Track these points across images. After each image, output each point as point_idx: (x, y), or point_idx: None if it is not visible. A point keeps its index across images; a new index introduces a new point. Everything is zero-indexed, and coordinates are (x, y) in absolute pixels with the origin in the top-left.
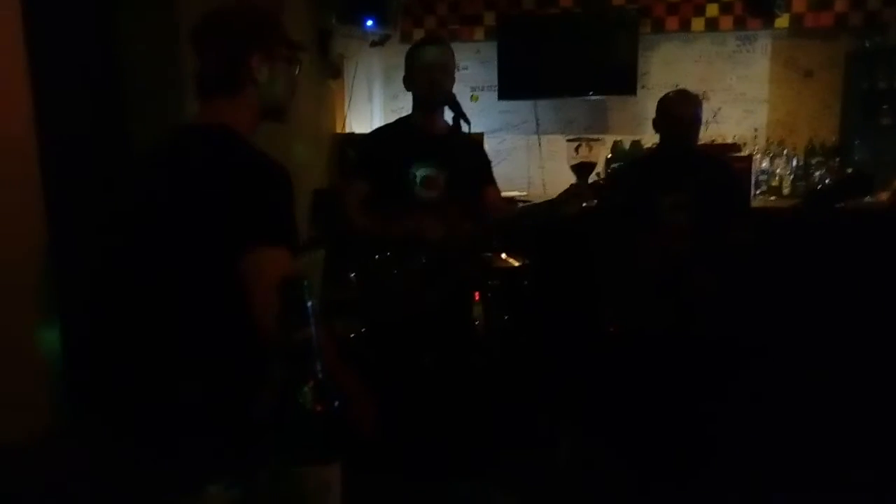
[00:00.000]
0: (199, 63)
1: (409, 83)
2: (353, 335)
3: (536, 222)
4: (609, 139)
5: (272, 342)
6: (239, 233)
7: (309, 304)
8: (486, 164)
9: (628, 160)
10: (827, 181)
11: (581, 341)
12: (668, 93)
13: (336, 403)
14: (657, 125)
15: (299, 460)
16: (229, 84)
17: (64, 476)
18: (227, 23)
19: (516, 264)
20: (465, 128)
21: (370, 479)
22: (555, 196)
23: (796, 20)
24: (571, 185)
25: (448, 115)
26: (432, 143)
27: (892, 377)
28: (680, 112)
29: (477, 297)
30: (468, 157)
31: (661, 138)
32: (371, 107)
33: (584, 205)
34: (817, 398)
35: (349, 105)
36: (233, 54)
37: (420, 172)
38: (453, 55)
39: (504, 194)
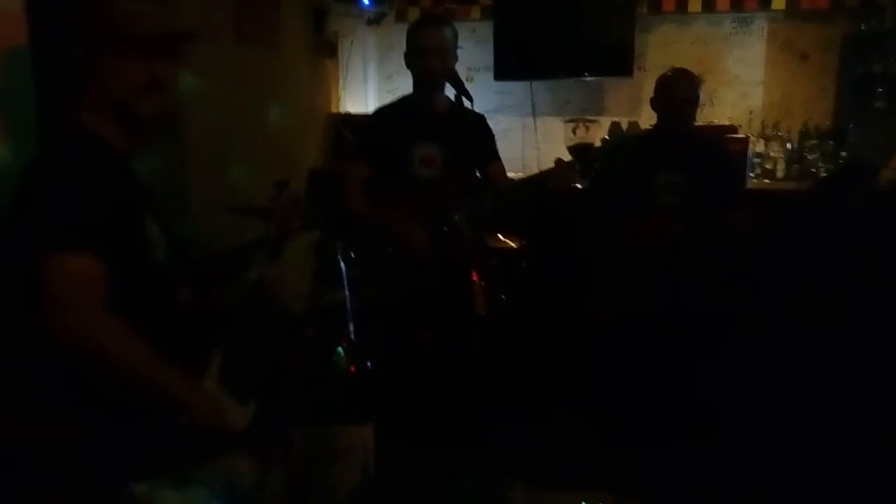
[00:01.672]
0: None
1: (408, 63)
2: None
3: (523, 197)
4: (605, 120)
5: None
6: (32, 238)
7: (343, 267)
8: (489, 140)
9: (623, 139)
10: (821, 165)
11: (575, 322)
12: (667, 71)
13: (368, 364)
14: (655, 103)
15: (332, 420)
16: (77, 83)
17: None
18: (68, 19)
19: (513, 245)
20: (466, 104)
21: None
22: (540, 171)
23: (793, 2)
24: (558, 159)
25: (450, 92)
26: (432, 122)
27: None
28: (678, 91)
29: (475, 277)
30: (469, 134)
31: (659, 118)
32: (366, 86)
33: (573, 183)
34: (810, 379)
35: (344, 84)
36: (65, 53)
37: (418, 151)
38: (455, 33)
39: None
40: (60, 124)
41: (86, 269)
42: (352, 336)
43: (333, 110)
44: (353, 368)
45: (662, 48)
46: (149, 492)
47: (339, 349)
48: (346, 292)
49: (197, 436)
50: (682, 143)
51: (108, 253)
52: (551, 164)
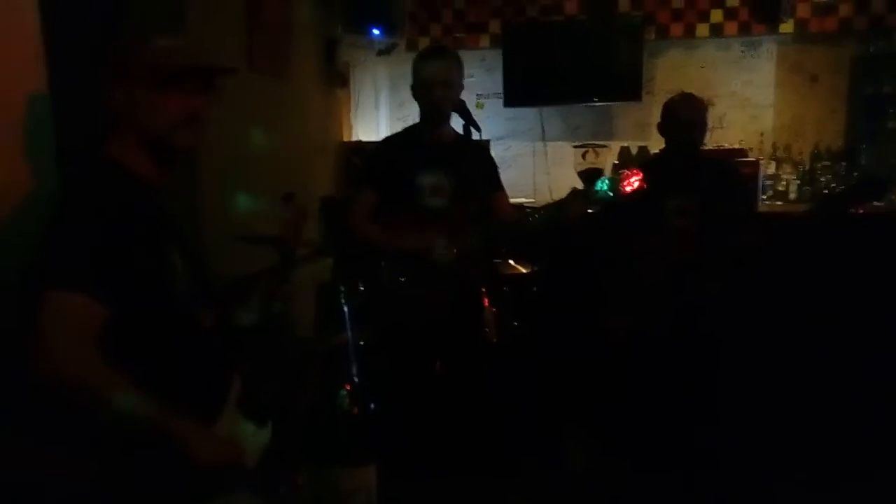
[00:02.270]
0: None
1: (414, 95)
2: (362, 343)
3: (540, 227)
4: (615, 145)
5: (41, 378)
6: (32, 272)
7: (346, 309)
8: (493, 170)
9: (637, 163)
10: (833, 185)
11: (588, 346)
12: (674, 96)
13: (372, 406)
14: (662, 129)
15: (336, 462)
16: (107, 118)
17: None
18: (100, 56)
19: (525, 271)
20: (475, 135)
21: (402, 481)
22: (557, 200)
23: (801, 25)
24: (573, 188)
25: (457, 123)
26: (439, 152)
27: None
28: (685, 115)
29: (486, 304)
30: (475, 164)
31: (667, 142)
32: (377, 115)
33: (587, 210)
34: (821, 400)
35: (355, 113)
36: (97, 87)
37: (427, 181)
38: (459, 65)
39: (510, 201)
40: (87, 158)
41: (78, 310)
42: (355, 378)
43: (345, 139)
44: (356, 410)
45: (671, 72)
46: None
47: (343, 391)
48: (349, 334)
49: (202, 475)
50: (691, 166)
51: (116, 294)
52: (562, 189)
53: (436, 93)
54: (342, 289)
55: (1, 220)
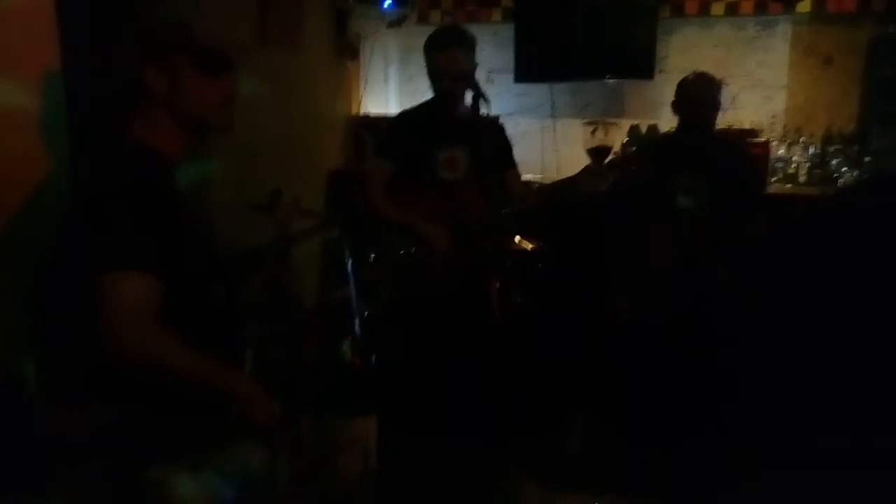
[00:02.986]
0: (108, 87)
1: (429, 75)
2: (367, 312)
3: (551, 203)
4: (625, 123)
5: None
6: (86, 258)
7: (348, 265)
8: (507, 147)
9: (645, 141)
10: (845, 171)
11: (592, 325)
12: (688, 75)
13: (373, 358)
14: (676, 107)
15: (337, 411)
16: (133, 100)
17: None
18: (121, 39)
19: (530, 247)
20: (483, 107)
21: (398, 437)
22: (567, 177)
23: (818, 5)
24: (586, 166)
25: (469, 95)
26: (455, 127)
27: None
28: (698, 95)
29: (491, 279)
30: (490, 140)
31: (679, 121)
32: (387, 87)
33: (599, 187)
34: (829, 384)
35: (365, 86)
36: (128, 70)
37: (442, 154)
38: (471, 48)
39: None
40: (111, 140)
41: (138, 289)
42: (357, 331)
43: (354, 112)
44: (357, 362)
45: (684, 51)
46: (165, 476)
47: (345, 343)
48: (352, 289)
49: (210, 425)
50: (703, 146)
51: (162, 267)
52: (570, 166)
53: (447, 83)
54: (346, 245)
55: (23, 196)
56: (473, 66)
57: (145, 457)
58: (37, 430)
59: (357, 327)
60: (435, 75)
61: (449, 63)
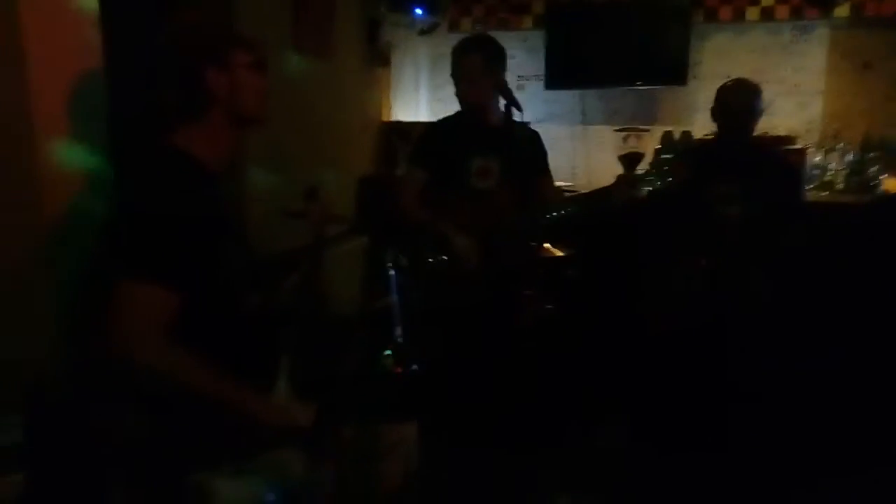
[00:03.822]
0: (157, 93)
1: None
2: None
3: (585, 212)
4: (657, 130)
5: (123, 363)
6: (110, 264)
7: (392, 273)
8: (542, 155)
9: (683, 149)
10: (882, 182)
11: (623, 333)
12: (727, 81)
13: (414, 367)
14: (714, 114)
15: (379, 418)
16: (191, 108)
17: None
18: (174, 42)
19: (561, 254)
20: (516, 115)
21: (441, 440)
22: (602, 186)
23: (857, 9)
24: (620, 175)
25: (501, 103)
26: (488, 134)
27: None
28: (737, 101)
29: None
30: (523, 147)
31: (718, 128)
32: (417, 95)
33: (634, 196)
34: (862, 390)
35: (396, 93)
36: (186, 75)
37: (475, 163)
38: (493, 58)
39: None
40: (153, 147)
41: (152, 300)
42: (399, 339)
43: (385, 119)
44: (399, 370)
45: (719, 57)
46: (207, 480)
47: (387, 352)
48: (395, 297)
49: (253, 431)
50: (741, 153)
51: (186, 283)
52: (601, 173)
53: (460, 87)
54: (389, 253)
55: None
56: (491, 75)
57: (188, 461)
58: (81, 434)
59: (399, 336)
60: (454, 80)
61: (460, 69)
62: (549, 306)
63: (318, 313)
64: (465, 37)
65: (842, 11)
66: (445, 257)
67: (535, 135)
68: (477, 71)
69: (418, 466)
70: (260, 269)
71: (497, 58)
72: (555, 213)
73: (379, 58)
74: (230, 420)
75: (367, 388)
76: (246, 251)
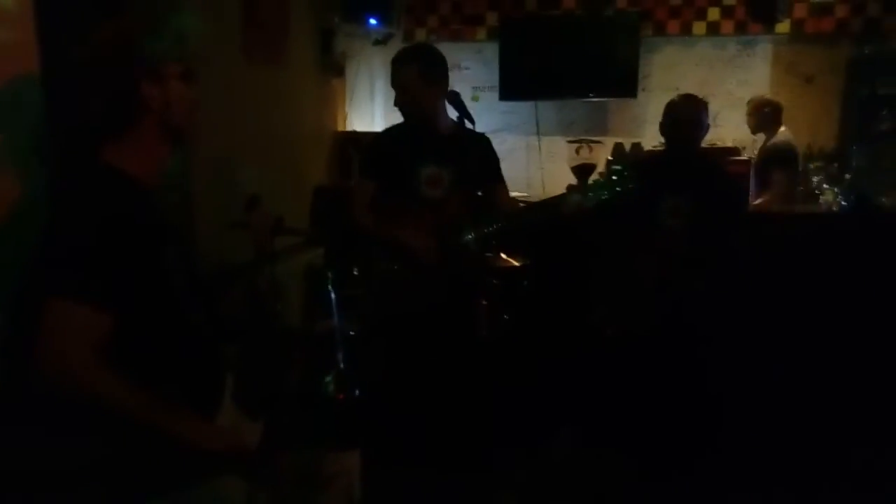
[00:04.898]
0: (81, 104)
1: None
2: (352, 332)
3: (535, 221)
4: (609, 141)
5: (40, 383)
6: (38, 279)
7: (333, 296)
8: (494, 162)
9: (631, 162)
10: (825, 192)
11: (577, 341)
12: (675, 97)
13: (356, 392)
14: (662, 128)
15: (321, 446)
16: (121, 120)
17: None
18: (105, 52)
19: (516, 264)
20: (468, 126)
21: (383, 467)
22: (553, 196)
23: (797, 25)
24: (570, 184)
25: (453, 114)
26: (437, 143)
27: (885, 380)
28: (685, 115)
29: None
30: (475, 155)
31: (666, 141)
32: (372, 105)
33: (585, 206)
34: (811, 396)
35: (351, 103)
36: (119, 87)
37: (425, 172)
38: (429, 69)
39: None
40: (83, 163)
41: (80, 319)
42: (341, 364)
43: (340, 129)
44: (340, 396)
45: (667, 70)
46: None
47: (328, 377)
48: (336, 321)
49: (189, 458)
50: (687, 166)
51: (118, 301)
52: (555, 183)
53: (399, 99)
54: (330, 275)
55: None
56: (428, 86)
57: (121, 491)
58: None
59: (341, 361)
60: (394, 90)
61: (398, 80)
62: (506, 316)
63: (266, 329)
64: (403, 47)
65: (783, 27)
66: (397, 267)
67: (486, 141)
68: (412, 81)
69: (361, 499)
70: (205, 284)
71: (435, 68)
72: (506, 223)
73: (333, 68)
74: (165, 446)
75: (307, 413)
76: (189, 265)
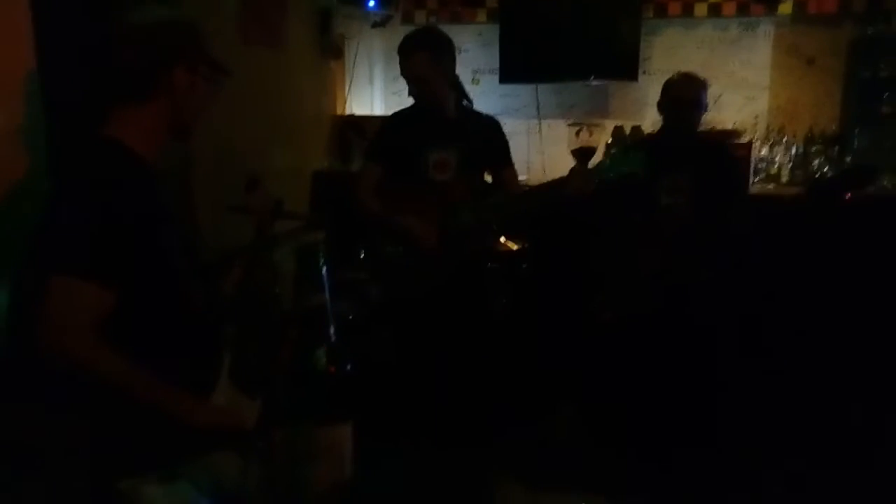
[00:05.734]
0: (116, 65)
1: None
2: (351, 316)
3: (538, 204)
4: (609, 124)
5: (48, 357)
6: (40, 256)
7: (324, 271)
8: (503, 146)
9: (630, 142)
10: (827, 170)
11: (576, 324)
12: (674, 75)
13: (348, 366)
14: (661, 107)
15: (312, 420)
16: (143, 89)
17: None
18: (156, 30)
19: (515, 248)
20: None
21: (378, 443)
22: (554, 178)
23: (799, 6)
24: (573, 168)
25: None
26: (444, 126)
27: (888, 366)
28: (684, 94)
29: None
30: (483, 139)
31: (664, 121)
32: (372, 88)
33: (589, 188)
34: (811, 382)
35: (350, 86)
36: (157, 59)
37: (432, 156)
38: (440, 53)
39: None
40: (86, 139)
41: (82, 296)
42: (332, 339)
43: (339, 112)
44: (332, 370)
45: (668, 52)
46: (135, 487)
47: (319, 352)
48: (327, 296)
49: (183, 433)
50: (687, 146)
51: (119, 278)
52: (556, 167)
53: (414, 88)
54: (320, 251)
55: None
56: (440, 71)
57: (116, 466)
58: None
59: (332, 335)
60: (406, 80)
61: (410, 68)
62: (505, 299)
63: (263, 310)
64: (407, 34)
65: (785, 8)
66: (402, 248)
67: (496, 124)
68: (427, 69)
69: (354, 470)
70: (204, 265)
71: (445, 50)
72: (507, 206)
73: (331, 50)
74: (161, 422)
75: (298, 388)
76: (188, 246)
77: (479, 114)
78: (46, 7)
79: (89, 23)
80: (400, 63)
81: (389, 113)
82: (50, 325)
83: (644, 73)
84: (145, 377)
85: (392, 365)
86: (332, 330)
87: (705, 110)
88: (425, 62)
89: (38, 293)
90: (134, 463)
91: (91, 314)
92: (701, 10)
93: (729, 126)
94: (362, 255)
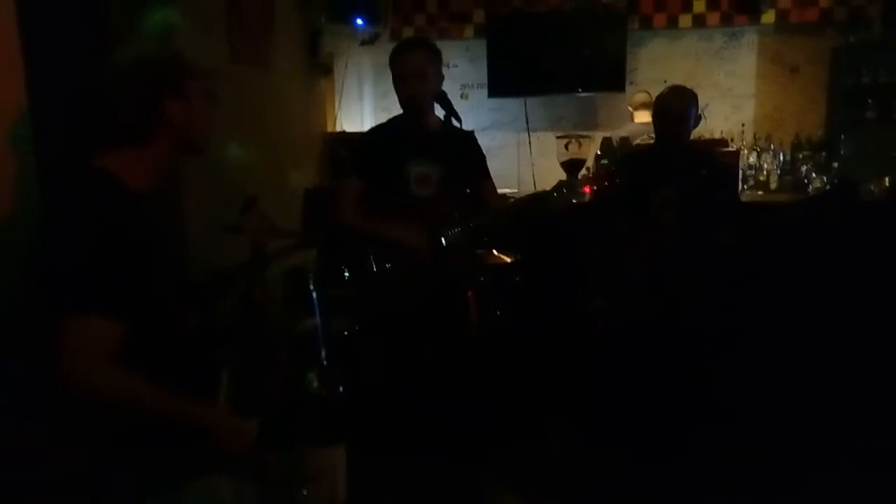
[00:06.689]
0: (107, 115)
1: (395, 87)
2: (346, 332)
3: (526, 216)
4: (598, 135)
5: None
6: (47, 295)
7: (314, 294)
8: (480, 159)
9: (623, 154)
10: (814, 181)
11: (570, 334)
12: (664, 89)
13: (340, 389)
14: (653, 121)
15: (305, 442)
16: (141, 132)
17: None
18: (134, 69)
19: (508, 260)
20: (455, 124)
21: (373, 463)
22: (541, 191)
23: (782, 16)
24: (560, 180)
25: (440, 112)
26: (425, 141)
27: (876, 367)
28: (674, 108)
29: (470, 294)
30: (462, 152)
31: (656, 134)
32: (361, 105)
33: (573, 200)
34: (803, 385)
35: (339, 103)
36: (145, 102)
37: (413, 170)
38: (436, 56)
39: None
40: (77, 171)
41: (95, 332)
42: (324, 362)
43: (329, 129)
44: (324, 392)
45: (654, 63)
46: None
47: (310, 375)
48: (318, 319)
49: (179, 456)
50: (678, 157)
51: (125, 309)
52: (546, 179)
53: (411, 85)
54: (311, 274)
55: None
56: (437, 74)
57: (113, 490)
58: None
59: (324, 358)
60: (397, 81)
61: (410, 65)
62: (498, 312)
63: (259, 331)
64: (404, 40)
65: (768, 18)
66: (387, 265)
67: (472, 137)
68: (425, 65)
69: (346, 493)
70: (198, 287)
71: (438, 57)
72: (495, 219)
73: (321, 68)
74: (159, 445)
75: (290, 411)
76: (181, 269)
77: (456, 127)
78: (38, 48)
79: (82, 62)
80: (394, 65)
81: None
82: (69, 363)
83: (631, 83)
84: (167, 393)
85: (383, 380)
86: (323, 353)
87: (696, 122)
88: (423, 58)
89: (47, 333)
90: (130, 486)
91: (106, 347)
92: (686, 21)
93: (716, 135)
94: (346, 274)
